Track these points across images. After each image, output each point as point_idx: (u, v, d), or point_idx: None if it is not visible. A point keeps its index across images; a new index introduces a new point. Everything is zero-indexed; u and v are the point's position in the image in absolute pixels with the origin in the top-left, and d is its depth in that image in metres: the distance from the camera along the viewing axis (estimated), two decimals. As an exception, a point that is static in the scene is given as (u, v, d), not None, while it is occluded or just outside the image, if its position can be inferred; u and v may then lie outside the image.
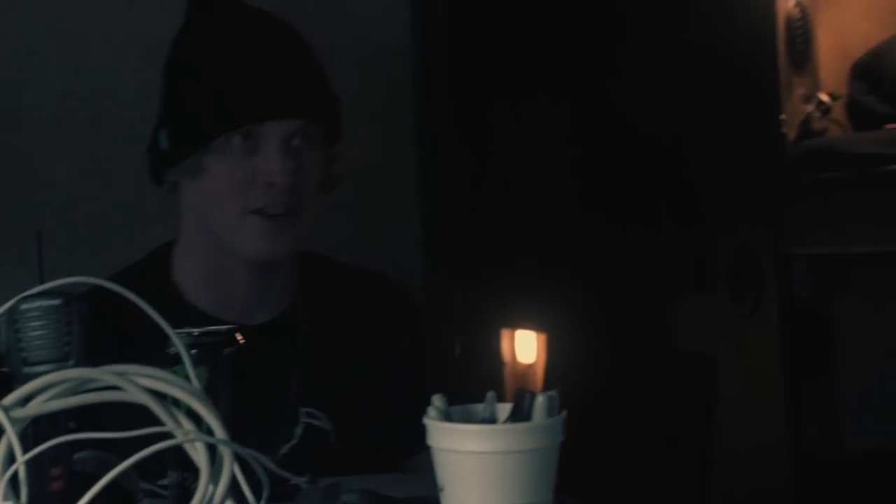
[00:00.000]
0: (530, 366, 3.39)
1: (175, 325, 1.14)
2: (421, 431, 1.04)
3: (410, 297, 1.79)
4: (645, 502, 2.85)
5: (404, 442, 1.56)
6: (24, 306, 0.94)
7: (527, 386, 3.32)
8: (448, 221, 2.58)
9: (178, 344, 1.01)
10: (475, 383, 1.76)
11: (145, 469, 1.02)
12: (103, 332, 1.01)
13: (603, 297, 3.15)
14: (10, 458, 0.87)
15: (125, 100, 2.03)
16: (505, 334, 3.39)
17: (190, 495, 1.10)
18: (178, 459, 1.11)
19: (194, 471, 1.11)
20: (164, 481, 1.18)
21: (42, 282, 0.96)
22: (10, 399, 0.89)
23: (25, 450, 0.86)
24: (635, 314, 3.17)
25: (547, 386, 3.26)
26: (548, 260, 3.15)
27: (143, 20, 2.05)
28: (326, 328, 1.66)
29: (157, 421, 0.95)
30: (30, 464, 0.86)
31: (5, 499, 0.84)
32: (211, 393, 1.02)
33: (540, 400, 1.02)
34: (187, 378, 1.00)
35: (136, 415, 0.96)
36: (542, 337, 3.34)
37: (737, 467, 2.77)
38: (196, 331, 1.13)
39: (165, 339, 1.06)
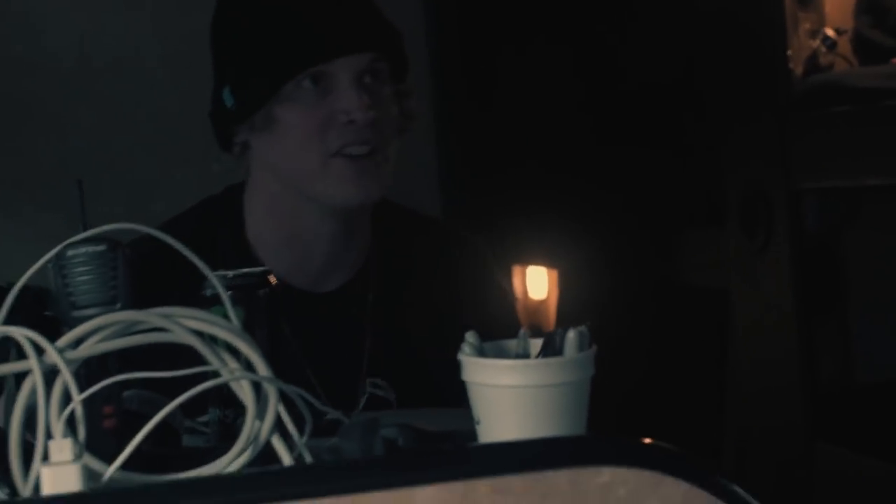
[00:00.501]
0: (542, 301, 3.41)
1: None
2: None
3: (481, 250, 1.74)
4: (661, 435, 2.89)
5: None
6: (70, 252, 0.96)
7: (539, 322, 3.35)
8: (462, 160, 2.60)
9: (216, 285, 1.03)
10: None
11: (184, 406, 1.05)
12: (144, 274, 1.03)
13: (614, 231, 3.17)
14: (67, 398, 0.89)
15: (142, 45, 2.03)
16: (516, 270, 3.41)
17: (230, 431, 1.14)
18: (219, 397, 1.14)
19: (233, 407, 1.15)
20: (203, 418, 1.21)
21: (86, 228, 0.98)
22: (62, 342, 0.92)
23: (80, 390, 0.89)
24: (647, 249, 3.19)
25: (559, 322, 3.30)
26: (558, 196, 3.16)
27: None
28: (398, 291, 1.62)
29: (199, 360, 0.97)
30: (84, 403, 0.89)
31: (63, 437, 0.87)
32: (247, 332, 1.04)
33: (571, 335, 1.05)
34: (224, 318, 1.02)
35: (176, 354, 0.99)
36: (554, 273, 3.36)
37: (751, 399, 2.81)
38: (230, 273, 1.16)
39: (201, 280, 1.08)
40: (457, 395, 1.55)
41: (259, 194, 1.60)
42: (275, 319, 1.19)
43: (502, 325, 1.65)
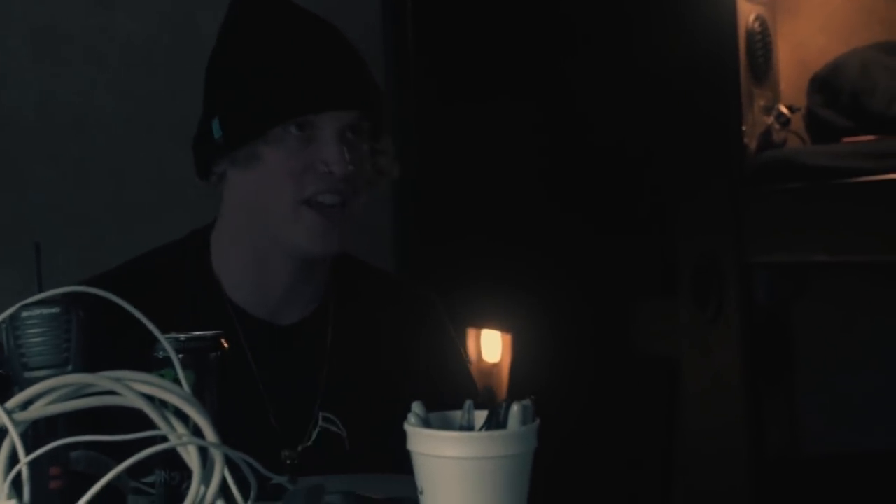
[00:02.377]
0: (495, 365, 3.43)
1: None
2: None
3: (437, 306, 1.77)
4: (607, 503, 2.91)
5: None
6: (25, 314, 0.97)
7: (492, 385, 3.37)
8: (418, 222, 2.63)
9: (168, 348, 1.05)
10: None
11: (131, 467, 1.05)
12: (96, 332, 1.04)
13: (568, 298, 3.19)
14: (13, 460, 0.90)
15: (103, 103, 2.05)
16: (471, 333, 3.43)
17: (176, 493, 1.14)
18: (166, 459, 1.15)
19: (179, 470, 1.16)
20: (149, 479, 1.21)
21: (41, 290, 0.99)
22: (12, 402, 0.93)
23: (26, 451, 0.90)
24: (600, 316, 3.21)
25: (511, 385, 3.31)
26: (514, 261, 3.18)
27: (121, 25, 2.07)
28: (353, 333, 1.67)
29: (147, 422, 0.98)
30: (31, 464, 0.90)
31: (8, 498, 0.88)
32: (197, 396, 1.05)
33: (515, 408, 1.07)
34: (175, 381, 1.03)
35: (125, 415, 0.99)
36: (508, 337, 3.38)
37: (698, 469, 2.83)
38: (183, 336, 1.17)
39: (153, 342, 1.10)
40: (404, 444, 1.57)
41: (227, 226, 1.65)
42: (224, 382, 1.20)
43: (456, 382, 1.68)
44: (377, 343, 1.68)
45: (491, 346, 3.43)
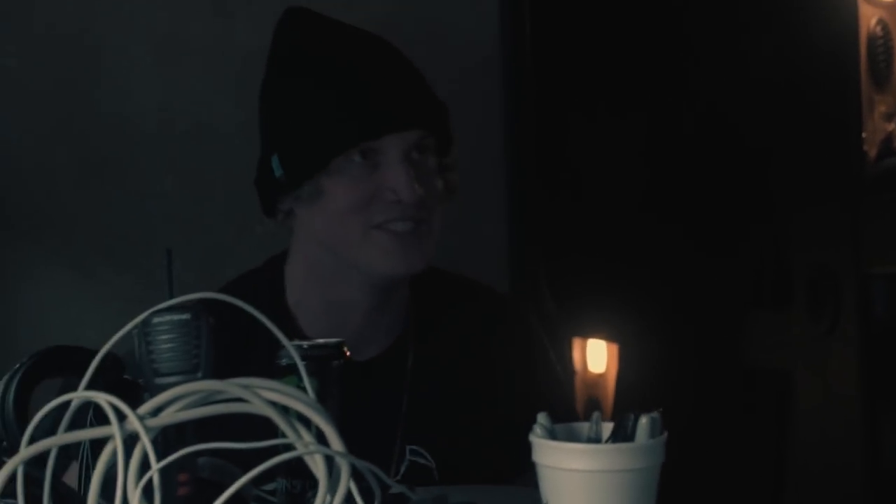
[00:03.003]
0: (601, 375, 3.40)
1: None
2: (528, 449, 1.06)
3: (526, 319, 1.72)
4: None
5: (517, 458, 1.39)
6: (156, 320, 0.98)
7: (597, 396, 3.34)
8: (529, 230, 2.62)
9: (294, 354, 1.04)
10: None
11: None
12: (225, 339, 1.04)
13: (677, 309, 3.16)
14: (145, 465, 0.91)
15: (222, 112, 2.07)
16: (576, 343, 3.41)
17: (298, 501, 1.15)
18: (288, 467, 1.15)
19: (301, 478, 1.16)
20: (270, 486, 1.22)
21: (172, 296, 1.00)
22: (144, 409, 0.93)
23: (157, 458, 0.90)
24: (710, 328, 3.17)
25: (618, 396, 3.28)
26: (623, 271, 3.16)
27: (240, 34, 2.09)
28: (436, 358, 1.61)
29: (266, 428, 0.98)
30: (161, 471, 0.90)
31: (140, 503, 0.88)
32: (321, 404, 1.05)
33: (643, 421, 1.05)
34: (298, 389, 1.03)
35: (247, 422, 1.00)
36: (614, 347, 3.36)
37: (810, 485, 2.78)
38: (306, 343, 1.17)
39: (275, 349, 1.10)
40: (495, 466, 1.51)
41: (300, 261, 1.61)
42: (346, 391, 1.20)
43: (550, 397, 1.60)
44: (461, 365, 1.62)
45: (597, 356, 3.40)
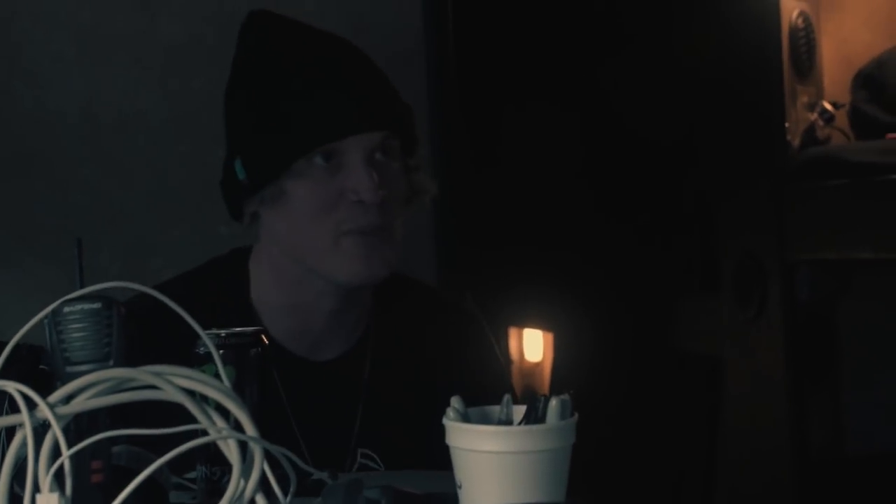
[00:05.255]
0: (537, 364, 3.43)
1: None
2: None
3: (481, 325, 1.73)
4: (649, 501, 2.90)
5: None
6: (67, 309, 0.98)
7: (533, 384, 3.37)
8: (459, 223, 2.63)
9: (208, 344, 1.06)
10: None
11: (172, 463, 1.06)
12: (139, 331, 1.04)
13: (610, 297, 3.19)
14: (56, 453, 0.92)
15: (146, 104, 2.06)
16: (513, 332, 3.43)
17: (217, 488, 1.15)
18: (207, 454, 1.16)
19: (221, 465, 1.17)
20: (190, 475, 1.23)
21: (83, 286, 1.00)
22: (54, 397, 0.94)
23: (69, 445, 0.91)
24: (642, 315, 3.21)
25: (553, 384, 3.31)
26: (555, 260, 3.18)
27: (163, 29, 2.09)
28: (391, 362, 1.62)
29: (187, 418, 0.99)
30: (73, 458, 0.91)
31: (51, 490, 0.89)
32: (237, 391, 1.06)
33: (553, 403, 1.07)
34: (215, 377, 1.04)
35: (164, 411, 1.00)
36: (549, 336, 3.38)
37: (741, 469, 2.81)
38: (223, 332, 1.18)
39: (195, 338, 1.11)
40: (446, 465, 1.55)
41: (265, 262, 1.61)
42: (265, 379, 1.21)
43: (495, 395, 1.67)
44: (417, 369, 1.63)
45: (533, 345, 3.43)
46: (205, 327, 1.04)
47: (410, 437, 1.57)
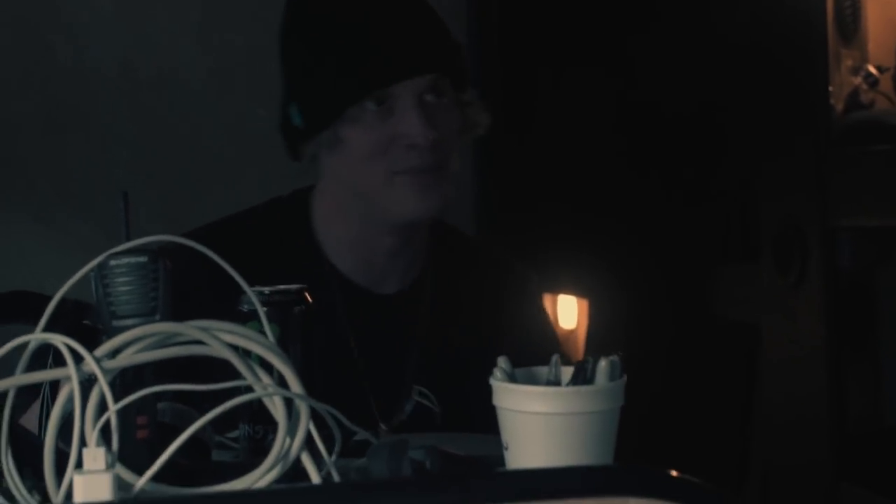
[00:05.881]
0: (571, 331, 3.41)
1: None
2: None
3: (531, 280, 1.76)
4: (687, 467, 2.88)
5: None
6: (113, 262, 0.97)
7: (568, 351, 3.35)
8: (497, 188, 2.61)
9: (254, 300, 1.04)
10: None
11: (216, 422, 1.05)
12: (183, 284, 1.04)
13: (647, 263, 3.17)
14: (102, 407, 0.91)
15: (186, 61, 2.06)
16: (547, 299, 3.41)
17: (260, 447, 1.15)
18: (250, 412, 1.15)
19: (263, 424, 1.16)
20: (234, 433, 1.22)
21: (129, 239, 0.99)
22: (101, 350, 0.93)
23: (115, 399, 0.90)
24: (679, 282, 3.18)
25: (588, 352, 3.29)
26: (591, 226, 3.16)
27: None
28: (449, 305, 1.66)
29: (233, 373, 0.98)
30: (119, 413, 0.90)
31: (97, 445, 0.88)
32: (282, 349, 1.05)
33: (602, 364, 1.06)
34: (260, 334, 1.03)
35: (210, 367, 0.99)
36: (584, 302, 3.36)
37: (778, 436, 2.79)
38: (267, 290, 1.17)
39: (239, 294, 1.09)
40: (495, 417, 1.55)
41: (328, 198, 1.65)
42: (310, 336, 1.20)
43: (545, 355, 1.67)
44: (474, 317, 1.67)
45: (567, 312, 3.41)
46: (271, 264, 1.04)
47: (462, 380, 1.58)
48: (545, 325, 1.76)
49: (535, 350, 1.60)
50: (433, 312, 1.65)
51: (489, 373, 1.08)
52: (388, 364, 1.61)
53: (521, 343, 1.63)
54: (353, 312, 1.60)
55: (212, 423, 0.97)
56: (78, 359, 0.92)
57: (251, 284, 1.03)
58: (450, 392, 1.61)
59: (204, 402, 1.00)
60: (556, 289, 3.39)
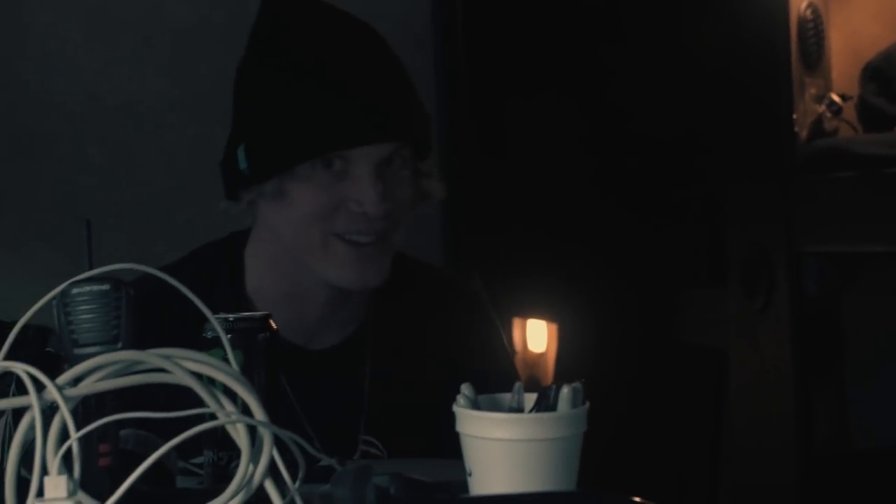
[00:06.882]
0: (541, 355, 3.42)
1: None
2: None
3: (483, 304, 1.67)
4: (653, 493, 2.89)
5: None
6: (75, 290, 0.97)
7: (537, 375, 3.36)
8: (465, 212, 2.62)
9: (217, 328, 1.04)
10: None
11: (179, 448, 1.05)
12: (145, 314, 1.03)
13: (615, 288, 3.18)
14: (64, 435, 0.90)
15: (153, 87, 2.06)
16: (516, 323, 3.42)
17: (224, 474, 1.14)
18: (215, 439, 1.15)
19: (228, 450, 1.16)
20: (198, 460, 1.22)
21: (91, 267, 0.99)
22: (63, 378, 0.93)
23: (77, 427, 0.90)
24: (648, 306, 3.20)
25: (557, 376, 3.30)
26: (561, 250, 3.17)
27: (171, 11, 2.07)
28: (394, 349, 1.57)
29: (196, 401, 0.98)
30: (81, 440, 0.90)
31: (59, 473, 0.88)
32: (246, 376, 1.05)
33: (565, 391, 1.06)
34: (224, 361, 1.03)
35: (173, 395, 0.99)
36: (553, 326, 3.37)
37: (746, 460, 2.81)
38: (231, 316, 1.17)
39: (202, 322, 1.09)
40: (452, 452, 1.53)
41: (261, 249, 1.56)
42: (274, 364, 1.20)
43: (501, 380, 1.63)
44: (421, 356, 1.58)
45: (537, 336, 3.42)
46: (174, 300, 1.02)
47: (415, 424, 1.53)
48: (500, 352, 1.67)
49: (493, 378, 1.59)
50: (376, 361, 1.56)
51: (445, 404, 1.07)
52: (332, 419, 1.53)
53: (477, 374, 1.56)
54: (288, 371, 1.40)
55: (176, 449, 0.97)
56: (40, 386, 0.92)
57: (193, 330, 1.02)
58: (404, 434, 1.53)
59: (167, 428, 1.00)
60: (526, 313, 3.40)
